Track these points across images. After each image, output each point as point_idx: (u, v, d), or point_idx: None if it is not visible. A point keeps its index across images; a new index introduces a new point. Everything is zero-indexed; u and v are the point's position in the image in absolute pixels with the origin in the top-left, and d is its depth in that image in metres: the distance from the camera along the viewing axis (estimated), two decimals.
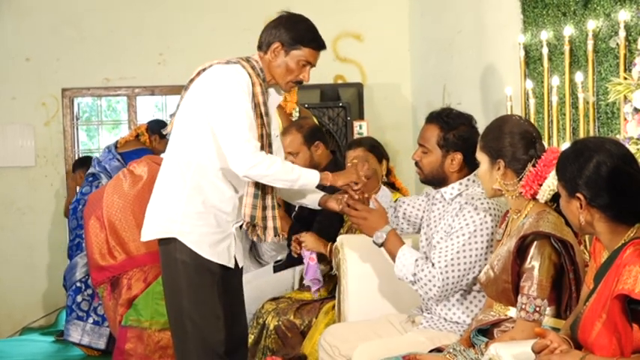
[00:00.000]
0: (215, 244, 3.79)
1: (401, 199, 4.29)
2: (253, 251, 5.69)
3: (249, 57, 3.85)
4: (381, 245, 3.90)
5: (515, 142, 3.43)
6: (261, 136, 3.76)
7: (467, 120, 3.96)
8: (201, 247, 3.76)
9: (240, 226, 3.90)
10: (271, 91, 3.91)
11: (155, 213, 3.86)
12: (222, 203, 3.80)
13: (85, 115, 7.87)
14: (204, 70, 3.81)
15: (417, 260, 3.80)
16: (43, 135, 7.28)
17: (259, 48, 3.88)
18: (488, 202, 3.77)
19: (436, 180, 3.97)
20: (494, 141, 3.48)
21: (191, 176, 3.75)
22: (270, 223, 3.85)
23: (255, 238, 3.91)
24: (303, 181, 3.77)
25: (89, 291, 6.35)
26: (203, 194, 3.76)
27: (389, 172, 5.30)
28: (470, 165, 3.91)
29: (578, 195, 2.77)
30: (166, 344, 5.52)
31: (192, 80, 3.85)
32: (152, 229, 3.87)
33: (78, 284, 6.33)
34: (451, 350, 3.43)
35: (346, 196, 3.92)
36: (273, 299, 5.05)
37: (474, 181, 3.93)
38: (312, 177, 3.79)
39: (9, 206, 7.24)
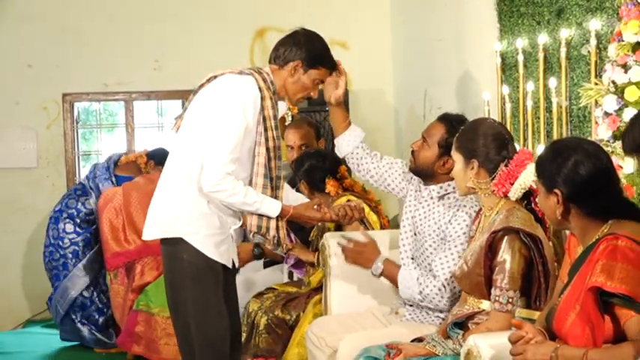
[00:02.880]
0: (218, 244, 3.72)
1: (398, 163, 4.26)
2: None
3: (260, 69, 3.78)
4: (379, 275, 3.91)
5: (488, 143, 3.45)
6: (272, 149, 3.71)
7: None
8: (207, 247, 3.68)
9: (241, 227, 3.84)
10: (280, 103, 3.85)
11: (159, 213, 3.78)
12: (224, 207, 3.72)
13: (83, 117, 7.80)
14: (215, 77, 3.74)
15: (418, 279, 3.82)
16: (44, 138, 7.25)
17: (274, 61, 3.80)
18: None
19: (424, 174, 3.96)
20: (468, 142, 3.49)
21: (197, 178, 3.65)
22: (280, 233, 3.76)
23: (268, 246, 3.83)
24: (261, 213, 3.69)
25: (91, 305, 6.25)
26: (208, 196, 3.66)
27: (343, 176, 5.26)
28: None
29: (556, 191, 2.79)
30: (172, 332, 5.52)
31: (202, 85, 3.76)
32: (156, 229, 3.79)
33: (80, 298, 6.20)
34: (430, 341, 3.43)
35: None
36: (258, 295, 5.00)
37: None
38: (272, 210, 3.69)
39: (12, 205, 7.20)
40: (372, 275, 3.94)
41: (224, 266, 3.76)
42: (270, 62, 3.83)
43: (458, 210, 3.82)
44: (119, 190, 6.07)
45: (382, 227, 4.82)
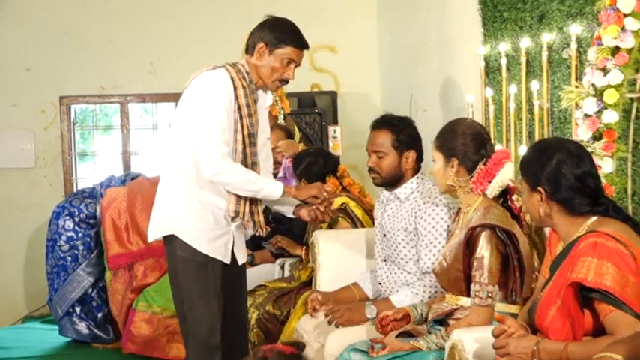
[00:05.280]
0: (212, 239, 3.71)
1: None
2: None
3: (236, 62, 3.77)
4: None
5: (467, 143, 3.45)
6: (246, 136, 3.70)
7: (409, 121, 4.00)
8: (199, 242, 3.69)
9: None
10: (260, 92, 3.84)
11: (156, 214, 3.81)
12: (217, 200, 3.72)
13: (80, 119, 7.77)
14: (195, 77, 3.74)
15: (412, 290, 3.82)
16: (42, 139, 7.24)
17: (246, 52, 3.80)
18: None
19: (394, 180, 3.95)
20: (448, 141, 3.48)
21: (187, 176, 3.68)
22: (255, 218, 3.77)
23: (248, 230, 3.82)
24: (265, 193, 3.70)
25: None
26: (198, 192, 3.68)
27: (342, 175, 5.27)
28: (419, 161, 3.97)
29: (540, 189, 2.80)
30: (174, 330, 5.62)
31: (185, 88, 3.78)
32: (155, 229, 3.82)
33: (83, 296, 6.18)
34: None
35: (314, 206, 3.85)
36: (250, 292, 4.98)
37: (422, 179, 3.96)
38: (275, 189, 3.71)
39: (11, 205, 7.19)
40: (369, 319, 3.88)
41: (225, 263, 3.75)
42: (245, 53, 3.82)
43: (424, 204, 3.83)
44: (123, 191, 6.05)
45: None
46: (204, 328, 3.73)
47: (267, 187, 3.69)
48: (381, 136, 3.94)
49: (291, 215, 4.02)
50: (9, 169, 7.22)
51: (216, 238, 3.73)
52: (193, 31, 7.21)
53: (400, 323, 3.55)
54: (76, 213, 6.15)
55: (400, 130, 3.89)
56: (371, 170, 3.97)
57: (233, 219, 3.74)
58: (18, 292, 7.20)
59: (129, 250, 5.89)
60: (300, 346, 3.75)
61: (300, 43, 3.77)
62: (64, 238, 6.13)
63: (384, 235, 4.00)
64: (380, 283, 4.04)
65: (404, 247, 3.88)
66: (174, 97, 6.94)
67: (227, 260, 3.77)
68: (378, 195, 4.18)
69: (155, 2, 7.30)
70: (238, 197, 3.70)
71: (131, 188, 6.06)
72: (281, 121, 6.31)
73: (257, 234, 3.85)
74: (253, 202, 3.75)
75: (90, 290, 6.09)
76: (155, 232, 3.81)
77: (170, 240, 3.74)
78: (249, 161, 3.73)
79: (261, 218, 3.81)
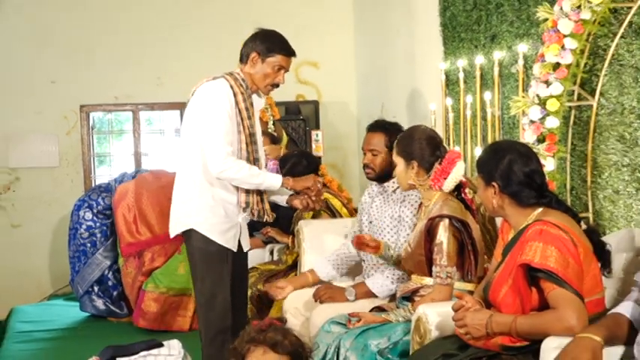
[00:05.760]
0: (224, 232, 3.66)
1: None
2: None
3: (232, 71, 3.73)
4: (355, 298, 3.84)
5: (424, 147, 3.45)
6: (248, 135, 3.66)
7: (399, 126, 3.97)
8: (214, 234, 3.64)
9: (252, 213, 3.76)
10: (255, 97, 3.78)
11: (176, 212, 3.75)
12: (228, 196, 3.67)
13: (97, 125, 7.73)
14: (197, 88, 3.70)
15: (386, 276, 3.81)
16: (64, 142, 7.18)
17: (240, 61, 3.75)
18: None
19: (385, 174, 3.91)
20: (407, 147, 3.48)
21: (200, 176, 3.62)
22: (263, 206, 3.72)
23: (251, 217, 3.77)
24: (267, 184, 3.66)
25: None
26: (211, 190, 3.63)
27: (323, 173, 5.28)
28: None
29: (494, 184, 2.80)
30: (177, 306, 5.66)
31: (190, 98, 3.73)
32: (176, 226, 3.75)
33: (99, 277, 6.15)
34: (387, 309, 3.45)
35: (306, 196, 3.83)
36: None
37: None
38: (275, 181, 3.68)
39: (38, 199, 7.14)
40: (349, 301, 3.85)
41: (234, 253, 3.71)
42: (240, 62, 3.77)
43: (407, 196, 3.82)
44: (131, 187, 6.01)
45: (353, 213, 4.87)
46: (219, 311, 3.66)
47: (268, 179, 3.66)
48: (375, 137, 3.93)
49: (284, 204, 3.97)
50: (36, 167, 7.18)
51: (227, 230, 3.68)
52: (194, 49, 7.19)
53: (370, 249, 3.60)
54: (94, 205, 6.12)
55: (392, 133, 3.86)
56: (366, 166, 3.95)
57: (244, 209, 3.70)
58: (44, 274, 7.15)
59: (138, 239, 5.87)
60: (283, 320, 3.76)
61: (288, 51, 3.73)
62: (84, 227, 6.11)
63: (371, 222, 3.98)
64: (363, 261, 4.03)
65: (388, 232, 3.87)
66: (179, 106, 7.02)
67: (235, 249, 3.72)
68: (367, 187, 4.15)
69: (160, 25, 7.27)
70: (247, 190, 3.66)
71: (137, 184, 6.02)
72: (271, 126, 6.29)
73: (265, 220, 3.78)
74: (260, 193, 3.71)
75: (106, 272, 6.06)
76: (176, 228, 3.75)
77: (189, 234, 3.69)
78: (252, 157, 3.68)
79: (267, 206, 3.76)
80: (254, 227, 5.09)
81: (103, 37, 7.18)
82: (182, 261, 5.61)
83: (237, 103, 3.63)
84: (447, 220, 3.28)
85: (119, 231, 5.92)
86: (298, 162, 5.02)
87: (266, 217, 3.76)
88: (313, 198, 3.84)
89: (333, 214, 4.82)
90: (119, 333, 5.59)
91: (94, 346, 3.79)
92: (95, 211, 6.09)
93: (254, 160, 3.70)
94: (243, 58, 3.73)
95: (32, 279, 7.08)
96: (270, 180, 3.67)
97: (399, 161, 3.51)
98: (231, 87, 3.64)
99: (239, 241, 3.76)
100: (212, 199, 3.64)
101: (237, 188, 3.68)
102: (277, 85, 3.77)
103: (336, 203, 4.85)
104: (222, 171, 3.55)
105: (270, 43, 3.70)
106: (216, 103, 3.58)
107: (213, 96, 3.60)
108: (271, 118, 6.33)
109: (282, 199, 3.97)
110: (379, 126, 3.96)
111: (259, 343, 2.55)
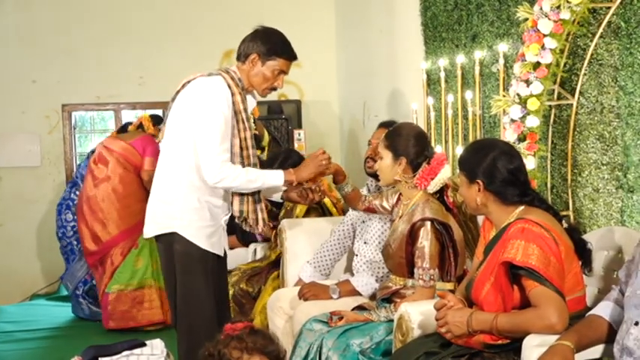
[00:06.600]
0: (210, 235, 3.45)
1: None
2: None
3: (228, 68, 3.50)
4: (339, 296, 3.81)
5: (414, 145, 3.42)
6: (244, 139, 3.45)
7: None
8: (199, 239, 3.42)
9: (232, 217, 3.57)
10: (249, 97, 3.57)
11: (155, 212, 3.50)
12: (213, 197, 3.45)
13: (79, 124, 7.67)
14: (188, 82, 3.46)
15: (370, 274, 3.81)
16: (46, 141, 7.15)
17: (238, 59, 3.52)
18: None
19: None
20: (398, 142, 3.42)
21: (186, 177, 3.40)
22: (259, 215, 3.52)
23: (248, 229, 3.58)
24: (267, 185, 3.46)
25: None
26: (197, 191, 3.41)
27: None
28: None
29: (478, 181, 2.79)
30: (141, 300, 5.62)
31: (178, 92, 3.48)
32: (154, 227, 3.50)
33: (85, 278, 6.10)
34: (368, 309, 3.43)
35: (305, 187, 3.63)
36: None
37: None
38: (277, 178, 3.47)
39: (20, 198, 7.10)
40: (333, 299, 3.82)
41: (216, 255, 3.51)
42: (237, 60, 3.56)
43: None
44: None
45: (340, 213, 4.86)
46: (207, 314, 3.47)
47: (268, 179, 3.45)
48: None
49: (280, 200, 3.83)
50: (18, 167, 7.15)
51: (212, 234, 3.47)
52: (175, 49, 7.16)
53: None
54: (71, 203, 6.12)
55: None
56: (370, 159, 3.94)
57: (238, 218, 3.51)
58: (25, 273, 7.10)
59: (99, 246, 5.65)
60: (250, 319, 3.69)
61: (290, 55, 3.53)
62: (68, 228, 6.13)
63: (365, 243, 3.97)
64: (356, 255, 4.00)
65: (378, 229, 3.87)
66: (161, 105, 6.98)
67: (222, 253, 3.56)
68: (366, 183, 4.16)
69: (142, 25, 7.23)
70: (241, 197, 3.47)
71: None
72: (252, 125, 6.23)
73: (260, 232, 3.63)
74: (256, 200, 3.51)
75: (90, 272, 6.01)
76: (153, 230, 3.51)
77: (170, 237, 3.46)
78: (249, 161, 3.48)
79: (265, 215, 3.54)
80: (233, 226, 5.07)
81: (85, 36, 7.14)
82: (138, 255, 5.59)
83: (234, 103, 3.42)
84: (428, 224, 3.26)
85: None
86: (288, 156, 5.01)
87: (261, 227, 3.54)
88: (314, 187, 3.64)
89: (324, 212, 4.82)
90: (102, 333, 5.55)
91: (76, 347, 3.74)
92: (74, 210, 6.03)
93: (253, 165, 3.49)
94: (242, 57, 3.50)
95: (14, 278, 7.03)
96: (271, 179, 3.46)
97: (385, 155, 3.44)
98: (229, 86, 3.41)
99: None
100: (197, 201, 3.42)
101: (231, 194, 3.49)
102: (275, 89, 3.59)
103: (327, 202, 4.85)
104: (218, 181, 3.34)
105: (272, 45, 3.49)
106: (212, 105, 3.35)
107: (210, 95, 3.37)
108: (251, 116, 6.26)
109: (276, 197, 3.80)
110: (390, 124, 3.92)
111: (253, 351, 2.50)
